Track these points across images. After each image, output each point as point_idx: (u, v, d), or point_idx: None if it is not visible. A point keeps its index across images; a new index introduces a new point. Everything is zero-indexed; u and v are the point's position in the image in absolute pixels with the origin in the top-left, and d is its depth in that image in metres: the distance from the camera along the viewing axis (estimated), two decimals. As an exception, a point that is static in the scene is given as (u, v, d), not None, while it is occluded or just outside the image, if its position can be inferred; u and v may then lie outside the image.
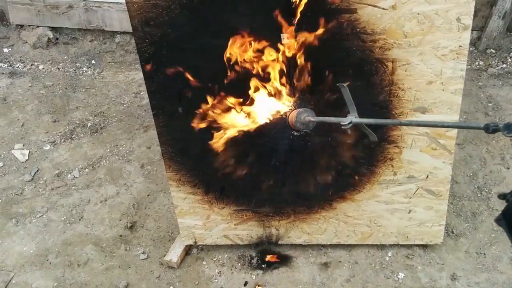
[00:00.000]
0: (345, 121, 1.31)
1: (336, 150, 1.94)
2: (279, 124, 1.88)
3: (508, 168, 2.59)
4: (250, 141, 1.94)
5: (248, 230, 2.21)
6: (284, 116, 1.79)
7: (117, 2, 3.89)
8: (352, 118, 1.30)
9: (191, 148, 2.01)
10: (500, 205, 2.39)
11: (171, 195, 2.15)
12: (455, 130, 1.84)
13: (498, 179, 2.54)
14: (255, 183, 2.06)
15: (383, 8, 1.63)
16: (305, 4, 1.61)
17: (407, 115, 1.82)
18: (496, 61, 3.53)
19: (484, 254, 2.16)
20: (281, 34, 1.69)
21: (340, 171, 1.99)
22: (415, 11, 1.63)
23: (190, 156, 2.03)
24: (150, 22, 1.73)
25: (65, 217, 2.63)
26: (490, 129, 0.87)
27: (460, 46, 1.67)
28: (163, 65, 1.80)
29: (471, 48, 3.67)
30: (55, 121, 3.37)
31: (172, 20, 1.72)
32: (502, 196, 0.95)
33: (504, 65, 3.47)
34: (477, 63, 3.55)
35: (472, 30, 3.59)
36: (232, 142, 1.94)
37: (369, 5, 1.62)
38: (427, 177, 1.96)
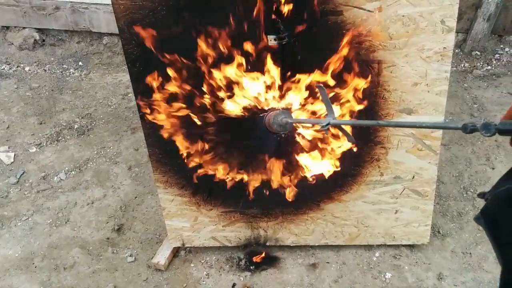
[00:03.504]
0: (322, 122, 1.30)
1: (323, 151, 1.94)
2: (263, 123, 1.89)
3: (493, 169, 2.62)
4: (237, 141, 1.94)
5: (236, 232, 2.21)
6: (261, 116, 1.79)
7: (105, 4, 3.86)
8: (330, 119, 1.30)
9: (178, 149, 2.00)
10: (485, 205, 2.42)
11: (159, 197, 2.14)
12: (440, 131, 1.86)
13: (483, 179, 2.57)
14: (243, 185, 2.06)
15: (368, 10, 1.64)
16: (291, 7, 1.62)
17: (393, 116, 1.84)
18: (481, 63, 3.58)
19: (470, 253, 2.19)
20: (268, 36, 1.69)
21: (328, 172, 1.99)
22: (400, 13, 1.64)
23: (178, 158, 2.02)
24: (137, 23, 1.72)
25: (51, 220, 2.60)
26: (468, 129, 0.87)
27: (444, 48, 1.69)
28: (149, 66, 1.79)
29: (456, 50, 3.71)
30: (41, 123, 3.34)
31: (159, 22, 1.71)
32: (481, 195, 0.96)
33: (489, 67, 3.52)
34: (462, 65, 3.60)
35: (457, 32, 3.66)
36: (219, 143, 1.94)
37: (354, 7, 1.63)
38: (413, 177, 1.98)
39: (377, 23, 1.65)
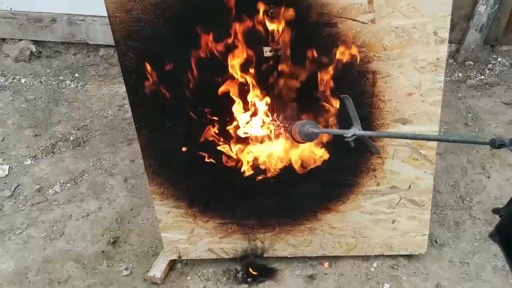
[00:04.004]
0: (348, 133, 1.28)
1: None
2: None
3: (488, 177, 2.63)
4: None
5: (233, 244, 2.20)
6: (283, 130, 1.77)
7: (101, 16, 3.88)
8: (356, 130, 1.28)
9: (174, 161, 2.00)
10: (482, 214, 2.42)
11: (155, 209, 2.13)
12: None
13: (479, 188, 2.57)
14: (240, 196, 2.06)
15: (362, 22, 1.65)
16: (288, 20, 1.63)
17: (388, 126, 1.84)
18: (475, 73, 3.61)
19: (468, 263, 2.19)
20: (264, 47, 1.70)
21: (325, 182, 1.99)
22: (393, 25, 1.66)
23: (174, 169, 2.02)
24: (133, 35, 1.73)
25: (45, 234, 2.58)
26: (496, 144, 0.88)
27: (437, 58, 1.70)
28: (145, 78, 1.80)
29: (450, 61, 3.75)
30: (36, 135, 3.32)
31: (155, 34, 1.72)
32: (496, 211, 0.96)
33: (482, 77, 3.55)
34: (456, 75, 3.63)
35: (450, 43, 3.68)
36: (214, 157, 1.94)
37: (349, 19, 1.65)
38: (410, 187, 1.98)
39: (371, 35, 1.67)
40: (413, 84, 1.75)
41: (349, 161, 1.94)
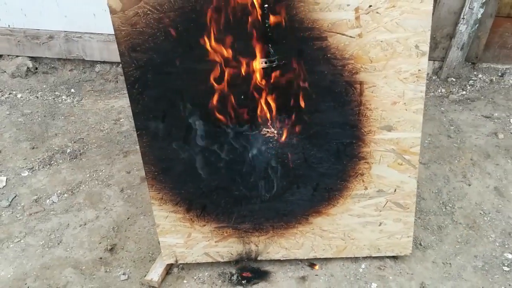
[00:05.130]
0: None
1: (312, 167, 2.07)
2: (257, 143, 2.02)
3: (469, 185, 2.78)
4: (231, 160, 2.06)
5: (228, 247, 2.29)
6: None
7: (98, 33, 4.01)
8: None
9: (173, 167, 2.10)
10: (464, 219, 2.56)
11: (153, 214, 2.22)
12: (419, 146, 2.00)
13: (460, 195, 2.72)
14: (236, 200, 2.16)
15: (350, 36, 1.80)
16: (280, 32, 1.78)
17: (375, 133, 1.98)
18: (457, 89, 3.80)
19: (450, 264, 2.30)
20: (260, 59, 1.83)
21: (316, 186, 2.11)
22: (378, 39, 1.81)
23: (173, 175, 2.12)
24: (137, 48, 1.85)
25: (43, 242, 2.64)
26: None
27: (419, 70, 1.85)
28: (148, 88, 1.92)
29: (434, 77, 3.94)
30: (33, 148, 3.40)
31: (158, 46, 1.85)
32: None
33: (464, 92, 3.74)
34: (439, 91, 3.81)
35: (434, 60, 3.89)
36: (212, 161, 2.06)
37: (338, 33, 1.80)
38: (395, 190, 2.11)
39: (359, 48, 1.82)
40: (397, 93, 1.90)
41: (339, 166, 2.07)
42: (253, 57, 1.84)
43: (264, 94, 1.92)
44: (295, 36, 1.81)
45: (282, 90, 1.91)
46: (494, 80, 3.84)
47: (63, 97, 4.09)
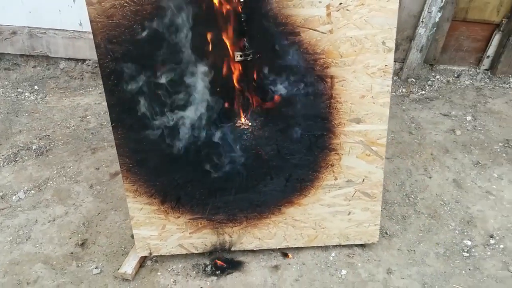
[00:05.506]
0: None
1: (284, 159, 2.14)
2: (232, 135, 2.08)
3: (430, 178, 2.94)
4: (205, 151, 2.10)
5: (202, 238, 2.32)
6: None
7: (63, 29, 3.95)
8: None
9: (148, 159, 2.12)
10: (426, 209, 2.70)
11: (128, 206, 2.23)
12: (385, 138, 2.12)
13: (422, 187, 2.87)
14: (210, 192, 2.20)
15: (322, 32, 1.89)
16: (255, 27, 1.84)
17: (345, 125, 2.08)
18: (416, 89, 4.00)
19: (414, 250, 2.44)
20: (235, 52, 1.89)
21: (288, 177, 2.19)
22: (348, 35, 1.91)
23: (148, 167, 2.14)
24: (113, 40, 1.86)
25: (11, 238, 2.58)
26: None
27: (386, 65, 1.97)
28: (123, 80, 1.93)
29: (395, 78, 4.12)
30: (-3, 145, 3.31)
31: (134, 39, 1.87)
32: None
33: (423, 92, 3.94)
34: (400, 90, 3.99)
35: (395, 61, 4.07)
36: (187, 152, 2.09)
37: (310, 29, 1.88)
38: (363, 180, 2.22)
39: (330, 43, 1.91)
40: (365, 87, 2.00)
41: (311, 157, 2.15)
42: (228, 51, 1.90)
43: (239, 87, 1.98)
44: (270, 31, 1.88)
45: (256, 84, 1.97)
46: (451, 81, 4.07)
47: (26, 94, 3.99)
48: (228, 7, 1.82)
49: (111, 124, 2.05)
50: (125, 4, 1.81)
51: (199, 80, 1.95)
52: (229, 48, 1.89)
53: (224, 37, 1.88)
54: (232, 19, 1.85)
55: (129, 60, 1.90)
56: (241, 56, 1.91)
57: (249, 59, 1.92)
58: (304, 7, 1.84)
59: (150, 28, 1.85)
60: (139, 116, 2.01)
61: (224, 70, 1.96)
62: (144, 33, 1.85)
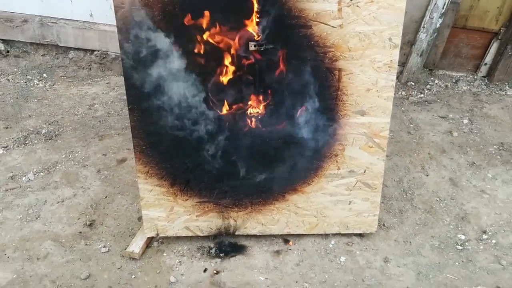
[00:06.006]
0: None
1: (290, 147, 2.24)
2: (239, 122, 2.18)
3: (427, 175, 3.05)
4: (216, 137, 2.20)
5: (208, 222, 2.42)
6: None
7: (74, 20, 4.04)
8: None
9: (161, 142, 2.21)
10: (422, 204, 2.81)
11: (138, 187, 2.31)
12: (387, 131, 2.23)
13: (419, 184, 2.98)
14: (218, 176, 2.30)
15: (332, 26, 2.00)
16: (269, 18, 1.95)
17: (350, 117, 2.18)
18: (416, 92, 4.12)
19: (410, 242, 2.54)
20: (249, 42, 2.00)
21: (293, 165, 2.29)
22: (357, 30, 2.02)
23: (160, 150, 2.23)
24: (134, 24, 1.96)
25: (21, 216, 2.66)
26: None
27: (391, 60, 2.08)
28: (142, 64, 2.03)
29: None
30: (7, 128, 3.39)
31: (154, 25, 1.97)
32: None
33: (422, 95, 4.06)
34: (400, 93, 4.11)
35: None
36: (198, 137, 2.19)
37: (321, 23, 1.99)
38: (365, 171, 2.32)
39: (339, 37, 2.02)
40: (371, 81, 2.11)
41: (316, 147, 2.25)
42: (243, 40, 2.00)
43: (251, 76, 2.08)
44: (283, 23, 1.98)
45: (268, 73, 2.07)
46: (449, 86, 4.20)
47: (35, 81, 4.07)
48: (245, -1, 1.92)
49: (128, 106, 2.14)
50: (148, -9, 1.91)
51: (214, 69, 2.05)
52: (244, 37, 1.99)
53: (240, 27, 1.98)
54: (249, 10, 1.95)
55: (148, 45, 2.00)
56: (255, 46, 2.01)
57: (262, 49, 2.02)
58: (317, 2, 1.95)
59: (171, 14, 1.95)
60: (155, 100, 2.11)
61: (238, 59, 2.06)
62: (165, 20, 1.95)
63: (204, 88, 2.10)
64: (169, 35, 1.98)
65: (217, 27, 1.96)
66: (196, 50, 2.01)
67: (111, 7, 3.73)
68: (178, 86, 2.08)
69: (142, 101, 2.12)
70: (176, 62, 2.04)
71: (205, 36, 1.98)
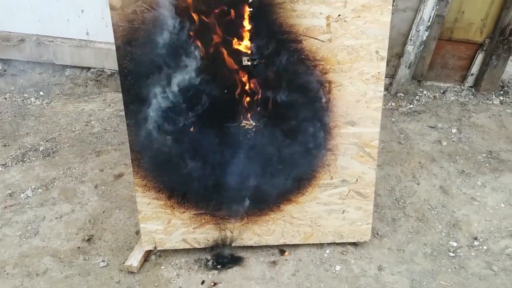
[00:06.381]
0: None
1: (284, 158, 2.31)
2: (236, 135, 2.24)
3: (418, 184, 3.12)
4: (211, 150, 2.26)
5: (205, 234, 2.46)
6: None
7: (70, 38, 4.12)
8: None
9: (159, 155, 2.27)
10: (414, 213, 2.87)
11: (136, 201, 2.36)
12: (377, 140, 2.30)
13: (411, 192, 3.05)
14: (215, 188, 2.35)
15: (321, 41, 2.09)
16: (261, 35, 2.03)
17: (340, 128, 2.26)
18: (405, 103, 4.21)
19: (403, 250, 2.59)
20: (242, 57, 2.07)
21: (288, 176, 2.35)
22: (345, 44, 2.10)
23: (157, 164, 2.28)
24: (132, 42, 2.04)
25: (20, 232, 2.69)
26: None
27: (378, 72, 2.16)
28: (139, 79, 2.10)
29: (384, 92, 4.34)
30: (5, 145, 3.43)
31: (151, 42, 2.05)
32: None
33: (411, 106, 4.16)
34: (389, 104, 4.21)
35: (385, 77, 4.31)
36: (193, 152, 2.25)
37: (311, 37, 2.07)
38: (357, 180, 2.38)
39: (328, 51, 2.10)
40: (360, 92, 2.19)
41: (309, 157, 2.32)
42: (237, 56, 2.08)
43: (245, 90, 2.16)
44: (275, 38, 2.07)
45: (261, 86, 2.15)
46: (437, 96, 4.30)
47: (32, 99, 4.13)
48: (238, 15, 2.01)
49: (126, 121, 2.21)
50: (145, 10, 1.99)
51: (208, 84, 2.12)
52: (237, 53, 2.07)
53: (233, 43, 2.06)
54: (240, 26, 2.03)
55: (145, 62, 2.07)
56: (248, 61, 2.09)
57: (255, 63, 2.10)
58: (306, 18, 2.03)
59: (165, 33, 2.03)
60: (152, 115, 2.17)
61: (231, 74, 2.13)
62: (160, 38, 2.03)
63: (200, 102, 2.17)
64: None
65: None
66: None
67: (107, 25, 3.83)
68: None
69: (140, 115, 2.18)
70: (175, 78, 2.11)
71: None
